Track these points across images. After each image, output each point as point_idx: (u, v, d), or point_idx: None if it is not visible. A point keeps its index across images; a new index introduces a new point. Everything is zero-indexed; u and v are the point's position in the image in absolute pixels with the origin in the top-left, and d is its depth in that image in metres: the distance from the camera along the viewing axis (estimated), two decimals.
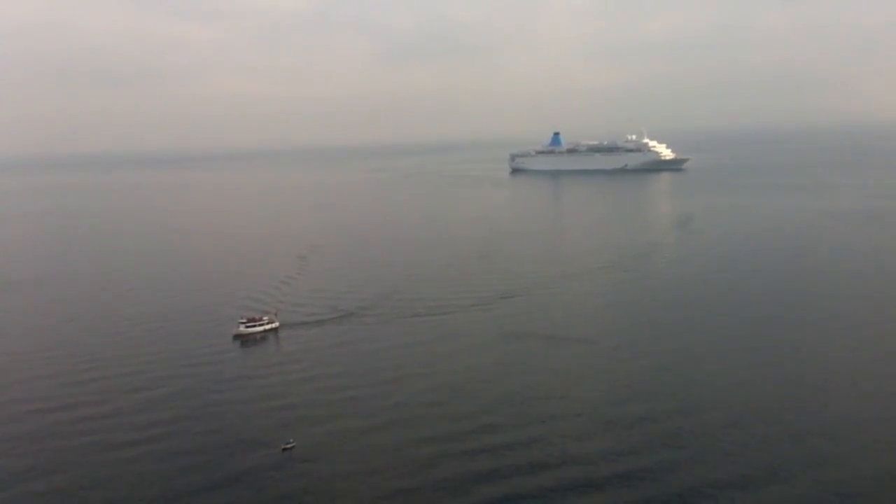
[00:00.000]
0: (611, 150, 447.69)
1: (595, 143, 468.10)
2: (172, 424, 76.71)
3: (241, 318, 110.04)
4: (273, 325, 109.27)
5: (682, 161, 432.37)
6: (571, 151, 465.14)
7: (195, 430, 74.99)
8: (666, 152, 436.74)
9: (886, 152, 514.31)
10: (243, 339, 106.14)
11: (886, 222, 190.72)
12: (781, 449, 64.98)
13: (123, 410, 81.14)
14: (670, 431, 69.13)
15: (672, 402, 75.99)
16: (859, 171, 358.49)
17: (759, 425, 69.57)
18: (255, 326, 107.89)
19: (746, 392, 78.14)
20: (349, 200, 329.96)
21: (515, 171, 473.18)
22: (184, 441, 72.56)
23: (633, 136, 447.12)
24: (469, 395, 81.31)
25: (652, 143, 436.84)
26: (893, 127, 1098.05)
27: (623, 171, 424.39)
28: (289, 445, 69.20)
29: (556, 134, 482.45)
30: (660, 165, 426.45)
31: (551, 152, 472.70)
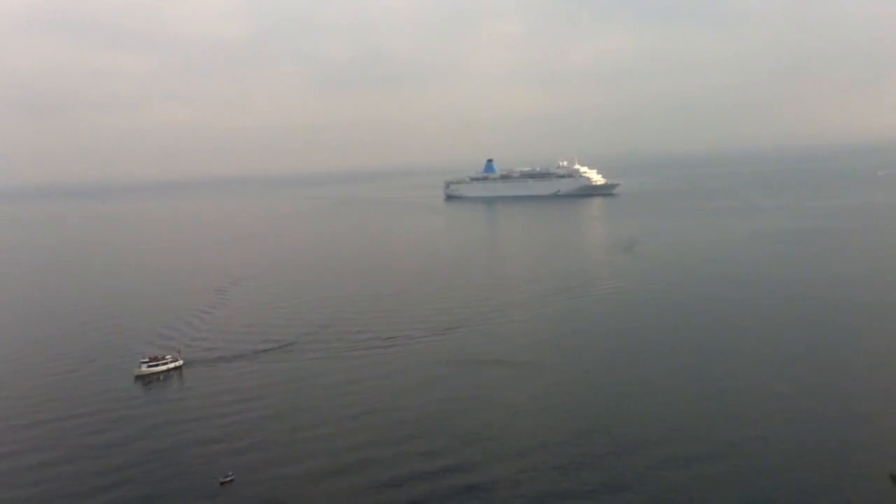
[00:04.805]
0: (543, 176, 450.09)
1: (528, 169, 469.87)
2: (91, 476, 70.01)
3: (143, 358, 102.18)
4: (177, 364, 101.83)
5: (613, 186, 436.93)
6: (505, 178, 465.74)
7: (119, 478, 69.03)
8: (597, 177, 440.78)
9: (809, 174, 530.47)
10: (145, 380, 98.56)
11: (814, 242, 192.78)
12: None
13: (25, 467, 73.26)
14: (628, 466, 66.17)
15: (628, 436, 72.62)
16: (784, 193, 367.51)
17: (707, 461, 66.64)
18: (157, 366, 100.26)
19: (695, 420, 75.89)
20: (280, 229, 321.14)
21: (450, 197, 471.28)
22: (112, 490, 66.80)
23: (565, 163, 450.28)
24: (396, 429, 76.92)
25: (583, 169, 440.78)
26: (815, 150, 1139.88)
27: (556, 196, 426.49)
28: (227, 479, 65.84)
29: (490, 161, 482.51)
30: (591, 190, 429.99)
31: (485, 179, 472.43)
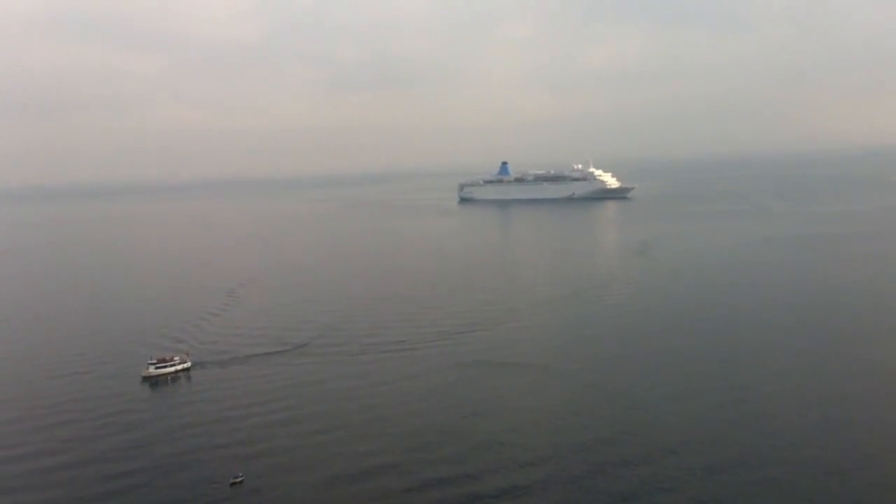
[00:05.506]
0: (557, 179, 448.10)
1: (542, 172, 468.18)
2: (97, 479, 69.06)
3: (151, 359, 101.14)
4: (185, 366, 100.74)
5: (628, 189, 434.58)
6: (519, 181, 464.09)
7: (125, 481, 68.24)
8: (611, 181, 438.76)
9: (821, 179, 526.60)
10: (153, 382, 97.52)
11: (829, 247, 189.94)
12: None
13: (32, 470, 72.07)
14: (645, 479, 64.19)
15: (643, 444, 70.83)
16: (797, 198, 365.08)
17: (729, 471, 64.65)
18: (165, 367, 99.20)
19: (711, 429, 73.88)
20: (290, 232, 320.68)
21: (464, 200, 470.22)
22: (120, 494, 65.95)
23: (580, 166, 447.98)
24: (408, 434, 75.55)
25: (598, 172, 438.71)
26: (822, 155, 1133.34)
27: (570, 199, 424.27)
28: (237, 479, 65.41)
29: (504, 163, 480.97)
30: (606, 194, 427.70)
31: (499, 181, 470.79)
